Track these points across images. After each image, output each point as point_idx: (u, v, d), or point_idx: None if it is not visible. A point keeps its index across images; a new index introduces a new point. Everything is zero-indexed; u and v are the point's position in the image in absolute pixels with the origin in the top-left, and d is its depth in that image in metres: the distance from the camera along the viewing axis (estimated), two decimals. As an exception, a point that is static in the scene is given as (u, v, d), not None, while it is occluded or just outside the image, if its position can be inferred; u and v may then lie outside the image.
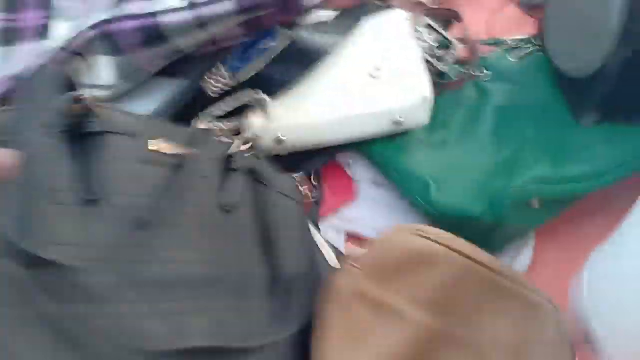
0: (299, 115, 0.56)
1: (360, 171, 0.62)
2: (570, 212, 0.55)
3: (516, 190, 0.49)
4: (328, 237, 0.57)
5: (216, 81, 0.55)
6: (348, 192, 0.60)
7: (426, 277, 0.45)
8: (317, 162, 0.60)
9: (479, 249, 0.50)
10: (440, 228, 0.53)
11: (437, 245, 0.47)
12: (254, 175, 0.46)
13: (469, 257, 0.47)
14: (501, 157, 0.57)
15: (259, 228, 0.43)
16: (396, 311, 0.44)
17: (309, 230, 0.52)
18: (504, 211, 0.49)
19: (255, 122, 0.54)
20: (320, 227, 0.57)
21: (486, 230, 0.50)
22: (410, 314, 0.44)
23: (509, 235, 0.53)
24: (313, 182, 0.60)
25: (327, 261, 0.52)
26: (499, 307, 0.46)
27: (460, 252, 0.47)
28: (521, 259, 0.54)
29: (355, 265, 0.46)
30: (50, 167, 0.30)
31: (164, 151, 0.37)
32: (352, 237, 0.58)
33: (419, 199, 0.53)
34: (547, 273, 0.54)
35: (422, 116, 0.59)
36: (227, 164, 0.44)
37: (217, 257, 0.38)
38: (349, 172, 0.62)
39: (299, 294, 0.44)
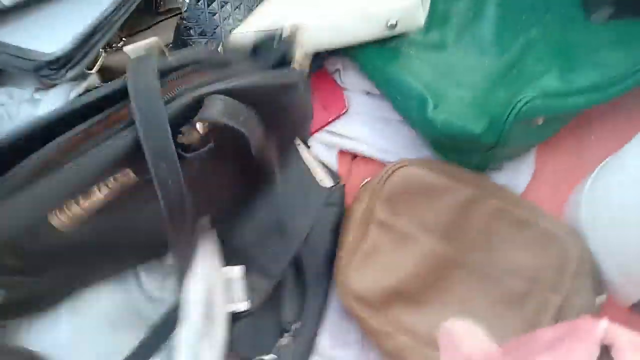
0: (279, 19, 0.50)
1: (350, 80, 0.57)
2: (571, 125, 0.53)
3: (520, 108, 0.45)
4: (319, 154, 0.54)
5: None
6: (338, 104, 0.56)
7: (435, 208, 0.48)
8: (303, 71, 0.55)
9: (487, 178, 0.49)
10: (436, 145, 0.51)
11: (444, 177, 0.49)
12: None
13: (474, 187, 0.47)
14: (504, 62, 0.52)
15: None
16: (409, 236, 0.47)
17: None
18: (506, 131, 0.45)
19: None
20: (310, 144, 0.54)
21: (485, 149, 0.48)
22: (422, 239, 0.47)
23: (509, 153, 0.50)
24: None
25: (317, 184, 0.50)
26: (512, 235, 0.48)
27: (465, 182, 0.48)
28: (521, 176, 0.52)
29: (367, 192, 0.49)
30: None
31: None
32: (344, 153, 0.55)
33: (414, 115, 0.50)
34: (546, 189, 0.52)
35: (418, 17, 0.52)
36: None
37: None
38: (338, 82, 0.57)
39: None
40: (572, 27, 0.53)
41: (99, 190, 0.31)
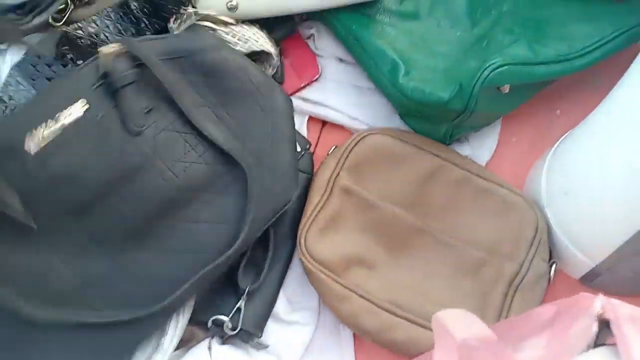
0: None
1: (324, 46, 0.57)
2: (537, 99, 0.53)
3: (488, 74, 0.45)
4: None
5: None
6: (311, 70, 0.56)
7: (400, 176, 0.49)
8: (276, 34, 0.55)
9: (449, 148, 0.50)
10: (405, 114, 0.52)
11: (408, 145, 0.49)
12: None
13: (439, 156, 0.48)
14: (475, 33, 0.52)
15: None
16: (372, 203, 0.48)
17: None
18: (473, 97, 0.46)
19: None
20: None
21: (453, 117, 0.48)
22: (384, 206, 0.48)
23: (475, 122, 0.51)
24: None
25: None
26: (473, 205, 0.48)
27: (430, 152, 0.48)
28: (485, 149, 0.53)
29: (334, 159, 0.49)
30: None
31: None
32: (314, 120, 0.56)
33: (386, 81, 0.50)
34: (509, 162, 0.53)
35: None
36: None
37: None
38: (312, 47, 0.57)
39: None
40: (543, 3, 0.53)
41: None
